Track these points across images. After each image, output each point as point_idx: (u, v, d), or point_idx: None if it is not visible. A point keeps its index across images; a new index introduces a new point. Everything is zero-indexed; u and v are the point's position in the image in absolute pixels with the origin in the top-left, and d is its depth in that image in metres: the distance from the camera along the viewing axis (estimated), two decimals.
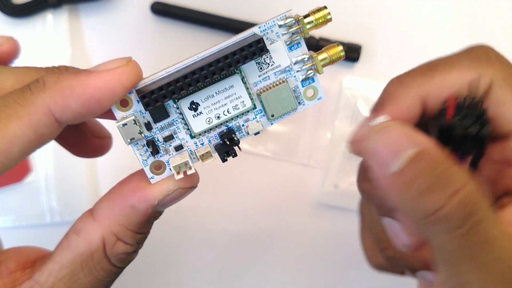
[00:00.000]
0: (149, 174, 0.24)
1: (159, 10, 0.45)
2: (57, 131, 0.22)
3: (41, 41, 0.45)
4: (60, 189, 0.44)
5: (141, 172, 0.24)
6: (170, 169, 0.24)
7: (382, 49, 0.46)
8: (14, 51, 0.27)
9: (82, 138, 0.28)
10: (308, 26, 0.23)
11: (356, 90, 0.45)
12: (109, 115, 0.23)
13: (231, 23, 0.45)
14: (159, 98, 0.22)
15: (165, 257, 0.45)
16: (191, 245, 0.45)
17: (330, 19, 0.24)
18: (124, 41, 0.46)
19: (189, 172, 0.24)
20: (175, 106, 0.23)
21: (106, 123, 0.27)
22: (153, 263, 0.45)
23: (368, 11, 0.46)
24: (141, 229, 0.24)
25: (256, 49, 0.22)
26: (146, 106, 0.22)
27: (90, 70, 0.22)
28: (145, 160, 0.24)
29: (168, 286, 0.46)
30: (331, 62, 0.24)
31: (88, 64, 0.45)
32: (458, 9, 0.46)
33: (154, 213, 0.24)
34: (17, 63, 0.27)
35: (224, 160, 0.24)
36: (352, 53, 0.45)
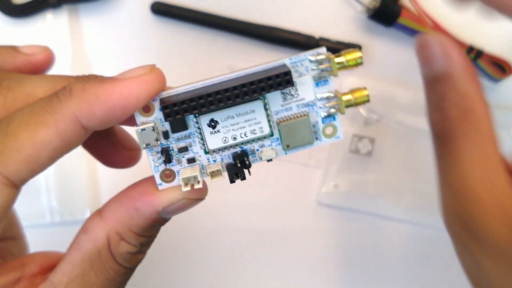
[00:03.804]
0: (158, 180, 0.25)
1: (159, 10, 0.45)
2: (84, 137, 0.22)
3: (41, 41, 0.44)
4: (60, 189, 0.44)
5: (152, 179, 0.25)
6: (179, 179, 0.25)
7: (382, 49, 0.46)
8: (49, 61, 0.27)
9: (113, 150, 0.29)
10: (337, 66, 0.23)
11: None
12: (132, 121, 0.24)
13: (232, 23, 0.45)
14: (180, 111, 0.22)
15: (162, 257, 0.46)
16: (188, 245, 0.46)
17: (361, 63, 0.24)
18: (124, 41, 0.47)
19: (196, 186, 0.24)
20: (194, 120, 0.24)
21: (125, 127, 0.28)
22: (153, 262, 0.45)
23: None
24: (144, 232, 0.25)
25: (283, 81, 0.22)
26: (166, 116, 0.23)
27: (115, 77, 0.22)
28: (157, 166, 0.24)
29: (166, 285, 0.46)
30: (356, 104, 0.24)
31: (88, 64, 0.46)
32: (459, 10, 0.45)
33: (159, 219, 0.25)
34: None
35: (232, 181, 0.24)
36: None
